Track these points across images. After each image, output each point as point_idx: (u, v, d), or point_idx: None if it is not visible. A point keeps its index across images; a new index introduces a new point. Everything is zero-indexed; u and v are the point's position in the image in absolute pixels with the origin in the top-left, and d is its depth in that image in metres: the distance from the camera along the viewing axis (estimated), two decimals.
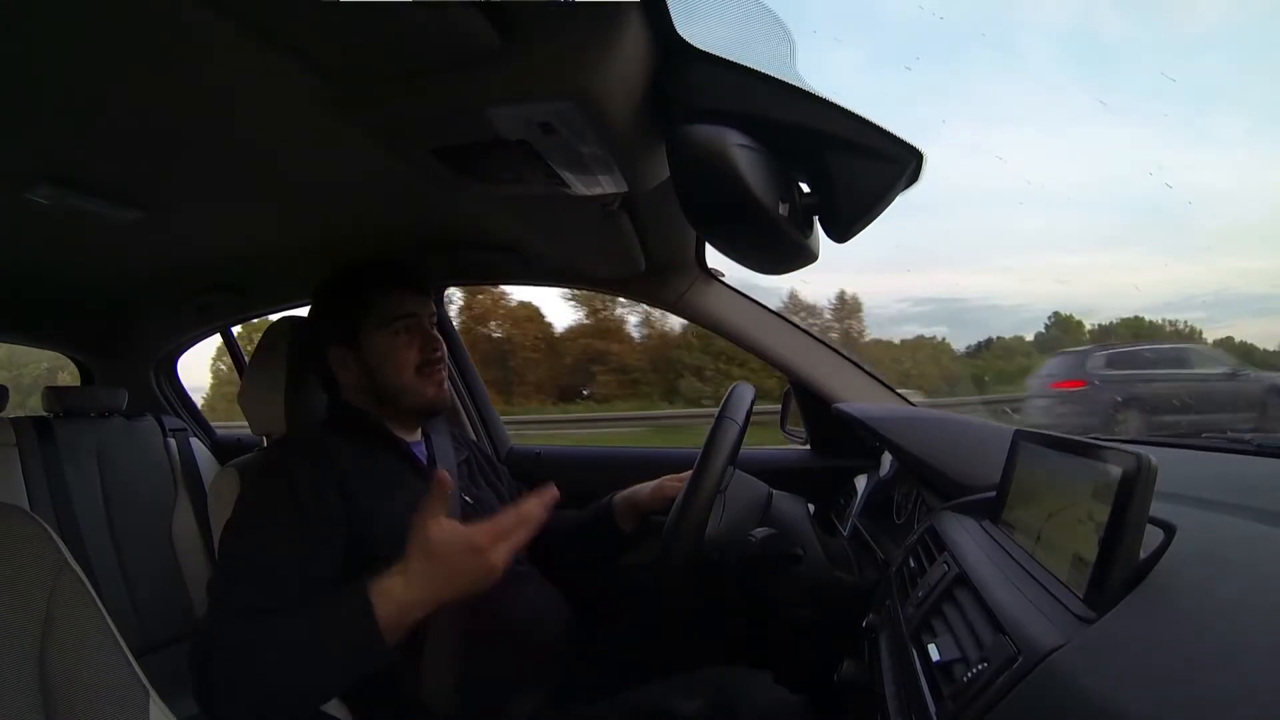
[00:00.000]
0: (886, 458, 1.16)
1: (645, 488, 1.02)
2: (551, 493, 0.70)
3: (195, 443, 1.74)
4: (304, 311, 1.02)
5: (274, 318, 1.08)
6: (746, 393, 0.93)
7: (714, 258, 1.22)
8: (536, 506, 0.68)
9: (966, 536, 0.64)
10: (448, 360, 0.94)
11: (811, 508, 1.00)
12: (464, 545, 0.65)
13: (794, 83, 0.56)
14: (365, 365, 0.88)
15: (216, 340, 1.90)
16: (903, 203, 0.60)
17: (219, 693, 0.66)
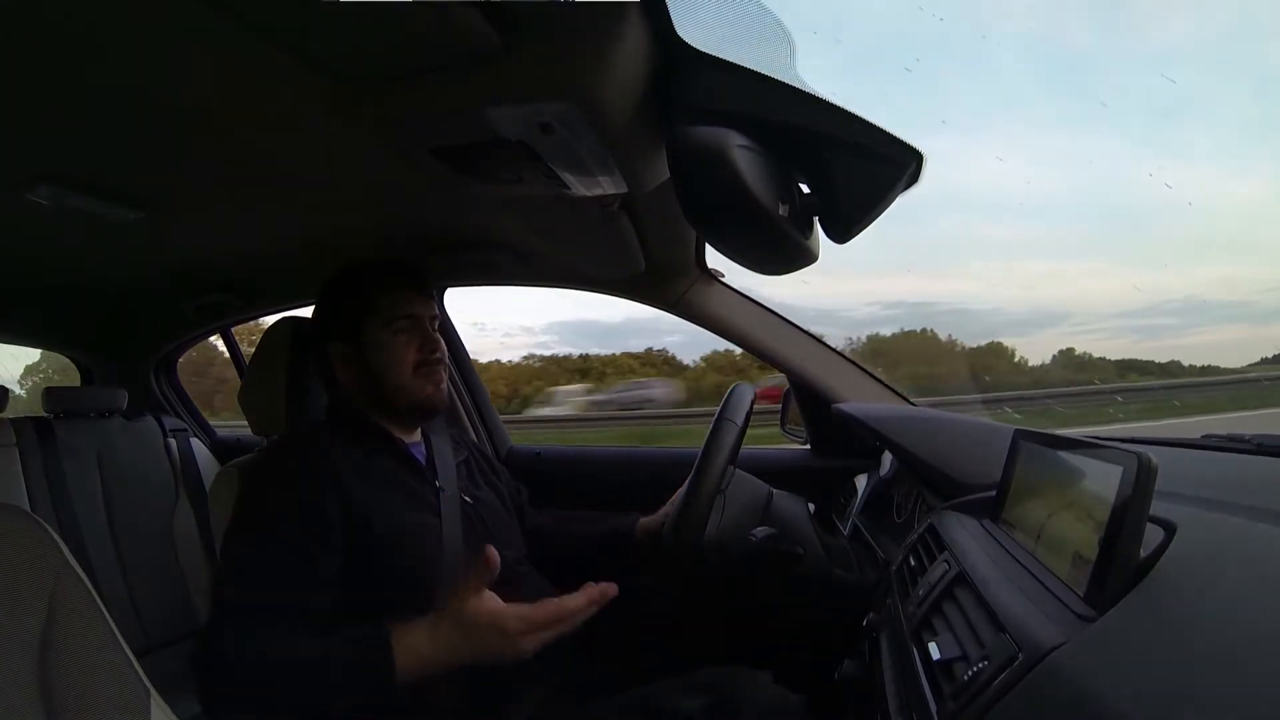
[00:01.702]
0: (886, 457, 1.16)
1: (657, 514, 1.02)
2: (602, 590, 0.71)
3: (195, 443, 1.74)
4: (304, 312, 1.02)
5: (274, 318, 1.08)
6: (746, 393, 0.93)
7: (714, 258, 1.22)
8: (580, 604, 0.69)
9: (966, 535, 0.64)
10: (448, 361, 0.95)
11: (812, 507, 1.00)
12: (497, 626, 0.66)
13: (794, 84, 0.56)
14: (365, 362, 0.89)
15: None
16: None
17: (220, 693, 0.66)
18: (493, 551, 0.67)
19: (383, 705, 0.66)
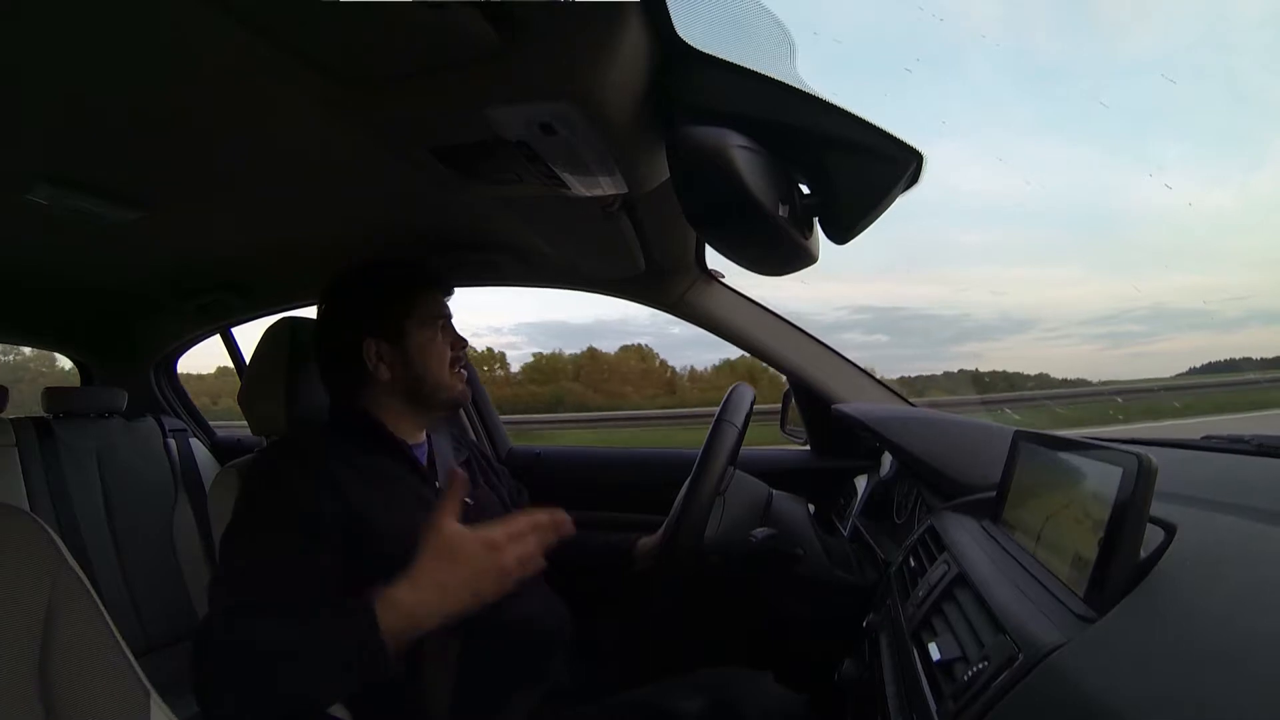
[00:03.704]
0: (886, 458, 1.16)
1: (656, 535, 1.01)
2: (564, 520, 0.71)
3: (195, 443, 1.74)
4: (304, 312, 1.02)
5: (274, 318, 1.08)
6: (746, 394, 0.93)
7: (714, 258, 1.22)
8: (548, 519, 0.70)
9: (966, 536, 0.64)
10: None
11: (811, 508, 1.00)
12: (480, 541, 0.66)
13: (794, 84, 0.56)
14: (405, 360, 0.90)
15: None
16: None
17: (215, 692, 0.66)
18: (459, 471, 0.69)
19: (379, 674, 0.64)
